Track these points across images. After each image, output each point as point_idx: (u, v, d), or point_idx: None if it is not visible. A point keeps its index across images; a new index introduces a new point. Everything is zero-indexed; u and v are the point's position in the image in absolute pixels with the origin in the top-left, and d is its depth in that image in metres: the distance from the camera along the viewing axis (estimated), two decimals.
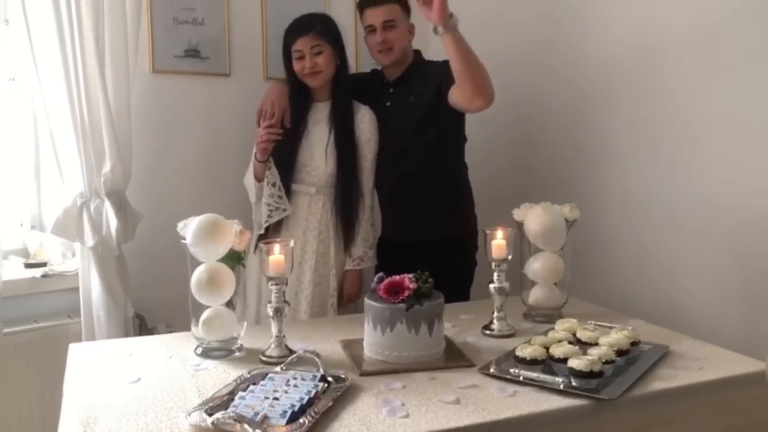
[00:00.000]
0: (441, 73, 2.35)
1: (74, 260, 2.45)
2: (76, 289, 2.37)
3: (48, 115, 2.27)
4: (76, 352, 1.82)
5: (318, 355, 1.64)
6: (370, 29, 2.44)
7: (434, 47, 2.83)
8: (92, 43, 2.26)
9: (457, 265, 2.49)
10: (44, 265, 2.43)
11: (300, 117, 2.38)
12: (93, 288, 2.30)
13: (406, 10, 2.47)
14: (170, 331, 2.54)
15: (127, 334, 2.34)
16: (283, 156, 2.35)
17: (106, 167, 2.27)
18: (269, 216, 2.34)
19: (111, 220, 2.26)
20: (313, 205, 2.38)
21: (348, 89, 2.43)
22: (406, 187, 2.46)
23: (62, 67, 2.22)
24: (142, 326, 2.51)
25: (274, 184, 2.33)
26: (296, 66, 2.35)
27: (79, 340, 2.31)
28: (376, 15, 2.41)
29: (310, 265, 2.36)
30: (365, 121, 2.42)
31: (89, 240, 2.25)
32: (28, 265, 2.41)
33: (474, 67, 2.21)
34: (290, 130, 2.35)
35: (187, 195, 2.66)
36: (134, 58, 2.40)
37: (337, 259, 2.41)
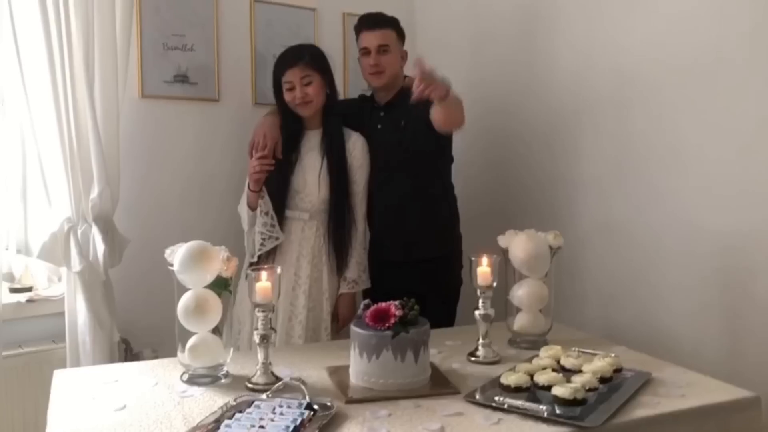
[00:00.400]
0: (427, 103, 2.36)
1: (60, 285, 2.45)
2: (62, 314, 2.36)
3: (36, 138, 2.28)
4: (60, 378, 1.81)
5: (304, 383, 1.64)
6: (365, 51, 2.50)
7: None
8: (82, 67, 2.27)
9: (445, 284, 2.56)
10: (29, 289, 2.42)
11: (292, 145, 2.42)
12: (79, 313, 2.29)
13: (401, 36, 2.55)
14: (156, 356, 2.54)
15: (112, 360, 2.33)
16: (277, 183, 2.38)
17: (94, 192, 2.28)
18: (262, 244, 2.36)
19: (98, 245, 2.27)
20: (307, 231, 2.41)
21: (339, 117, 2.48)
22: (396, 207, 2.50)
23: (51, 91, 2.23)
24: (128, 351, 2.50)
25: (266, 213, 2.36)
26: (287, 96, 2.39)
27: (64, 365, 2.30)
28: (371, 38, 2.47)
29: (304, 290, 2.39)
30: (357, 148, 2.46)
31: (76, 265, 2.24)
32: (13, 290, 2.40)
33: (454, 111, 2.30)
34: (283, 157, 2.39)
35: (174, 220, 2.67)
36: (123, 83, 2.42)
37: (330, 284, 2.43)
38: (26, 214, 2.58)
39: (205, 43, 2.72)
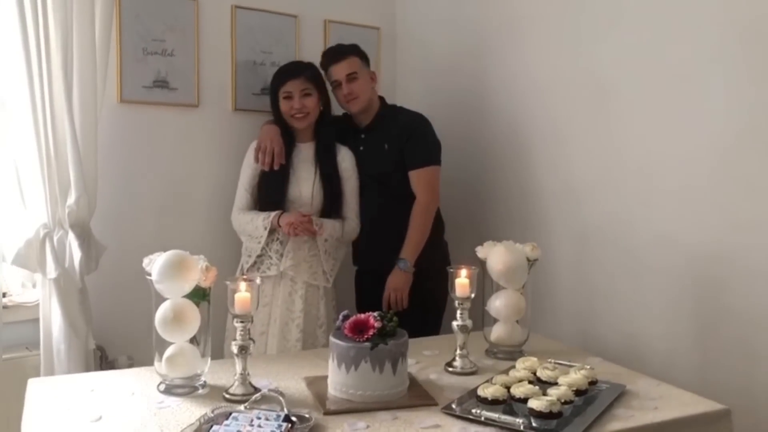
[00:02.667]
0: (405, 136, 2.61)
1: (34, 290, 2.42)
2: (36, 320, 2.33)
3: (13, 143, 2.25)
4: (34, 387, 1.79)
5: (282, 394, 1.65)
6: (336, 84, 2.62)
7: (401, 93, 2.92)
8: (60, 71, 2.25)
9: (431, 293, 2.60)
10: (2, 295, 2.38)
11: (286, 157, 2.51)
12: (54, 320, 2.27)
13: (365, 60, 2.68)
14: (131, 364, 2.53)
15: (87, 368, 2.31)
16: (275, 194, 2.49)
17: (71, 199, 2.26)
18: (268, 268, 2.48)
19: (75, 251, 2.24)
20: (302, 238, 2.46)
21: (331, 131, 2.61)
22: (384, 219, 2.61)
23: (29, 95, 2.21)
24: (103, 358, 2.48)
25: (281, 242, 2.46)
26: (284, 106, 2.49)
27: (38, 373, 2.27)
28: (339, 70, 2.60)
29: (301, 295, 2.47)
30: (346, 160, 2.59)
31: (51, 272, 2.22)
32: None
33: (426, 230, 2.61)
34: (279, 170, 2.48)
35: (151, 226, 2.66)
36: (102, 88, 2.40)
37: (324, 288, 2.53)
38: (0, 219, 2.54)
39: (185, 48, 2.70)
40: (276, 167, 2.47)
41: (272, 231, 2.45)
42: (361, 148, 2.66)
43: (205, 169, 2.78)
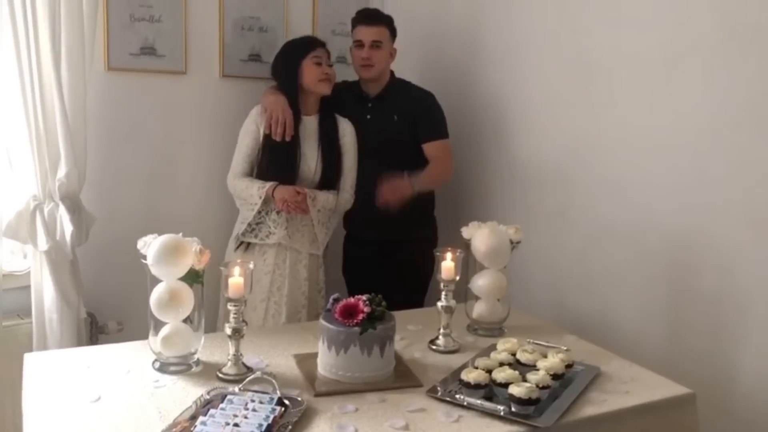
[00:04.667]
0: (419, 110, 2.69)
1: (24, 260, 2.44)
2: (27, 287, 2.37)
3: (1, 115, 2.24)
4: (31, 363, 1.83)
5: (274, 376, 1.71)
6: (358, 44, 2.66)
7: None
8: (47, 40, 2.23)
9: (418, 263, 2.68)
10: None
11: (295, 131, 2.51)
12: (45, 291, 2.31)
13: (393, 34, 2.72)
14: (121, 329, 2.58)
15: (79, 336, 2.37)
16: (287, 168, 2.49)
17: (61, 172, 2.27)
18: (267, 236, 2.50)
19: (66, 224, 2.26)
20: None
21: (332, 103, 2.61)
22: (373, 187, 2.60)
23: (17, 68, 2.19)
24: (93, 324, 2.53)
25: (279, 212, 2.48)
26: (314, 70, 2.49)
27: (30, 341, 2.32)
28: (366, 33, 2.64)
29: (305, 264, 2.56)
30: (347, 134, 2.61)
31: (42, 244, 2.25)
32: None
33: (435, 182, 2.73)
34: (291, 144, 2.49)
35: (140, 195, 2.69)
36: (90, 56, 2.38)
37: (324, 256, 2.64)
38: None
39: (172, 14, 2.68)
40: (288, 138, 2.47)
41: (268, 200, 2.46)
42: (369, 116, 2.70)
43: (194, 135, 2.79)
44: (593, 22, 2.44)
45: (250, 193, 2.46)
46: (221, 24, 2.81)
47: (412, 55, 3.19)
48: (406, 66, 2.99)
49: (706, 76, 2.12)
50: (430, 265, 2.72)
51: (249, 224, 2.49)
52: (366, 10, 2.76)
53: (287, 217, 2.47)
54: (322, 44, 2.54)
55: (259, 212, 2.47)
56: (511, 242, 2.19)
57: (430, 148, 2.69)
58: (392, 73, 2.79)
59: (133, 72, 2.62)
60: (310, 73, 2.49)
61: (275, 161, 2.47)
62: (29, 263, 2.37)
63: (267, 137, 2.48)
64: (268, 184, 2.45)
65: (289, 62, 2.52)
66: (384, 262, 2.73)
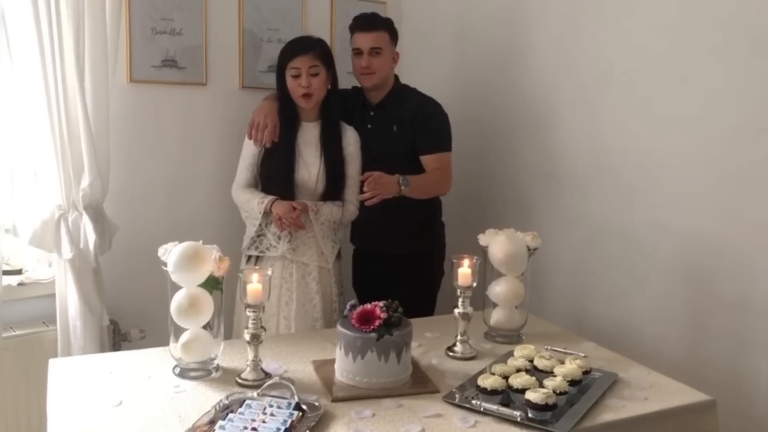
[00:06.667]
0: (419, 120, 2.56)
1: (49, 268, 2.49)
2: (52, 295, 2.41)
3: (26, 126, 2.30)
4: (56, 368, 1.88)
5: (292, 381, 1.73)
6: (357, 52, 2.55)
7: (406, 70, 2.93)
8: (72, 53, 2.27)
9: (427, 276, 2.70)
10: (20, 272, 2.46)
11: (291, 138, 2.46)
12: (69, 298, 2.35)
13: (394, 37, 2.60)
14: (143, 337, 2.62)
15: (102, 343, 2.40)
16: (281, 178, 2.43)
17: (85, 182, 2.31)
18: (267, 249, 2.45)
19: (89, 233, 2.31)
20: (306, 222, 2.43)
21: (337, 111, 2.52)
22: (385, 201, 2.50)
23: (42, 78, 2.23)
24: (116, 332, 2.57)
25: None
26: (290, 83, 2.41)
27: (55, 346, 2.36)
28: (364, 40, 2.53)
29: (314, 277, 2.47)
30: (351, 143, 2.52)
31: (67, 252, 2.29)
32: (3, 272, 2.43)
33: (424, 193, 2.56)
34: (285, 151, 2.43)
35: (162, 204, 2.73)
36: (113, 68, 2.43)
37: (335, 268, 2.55)
38: (13, 194, 2.59)
39: (193, 27, 2.72)
40: (268, 145, 2.41)
41: (268, 213, 2.41)
42: (369, 125, 2.62)
43: (214, 146, 2.83)
44: (610, 26, 2.45)
45: (251, 206, 2.43)
46: (240, 36, 2.85)
47: (429, 57, 3.21)
48: (423, 65, 2.97)
49: (722, 81, 2.12)
50: (437, 279, 2.76)
51: (252, 238, 2.45)
52: (363, 16, 2.60)
53: (290, 230, 2.40)
54: (304, 51, 2.39)
55: (259, 225, 2.43)
56: (529, 249, 2.19)
57: (427, 161, 2.57)
58: (396, 78, 2.69)
59: (155, 84, 2.67)
60: (290, 86, 2.41)
61: (272, 169, 2.43)
62: (54, 271, 2.41)
63: (266, 146, 2.44)
64: (267, 199, 2.40)
65: (277, 71, 2.46)
66: (391, 276, 2.63)
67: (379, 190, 2.34)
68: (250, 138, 2.44)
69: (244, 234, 2.54)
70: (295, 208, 2.35)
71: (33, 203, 2.42)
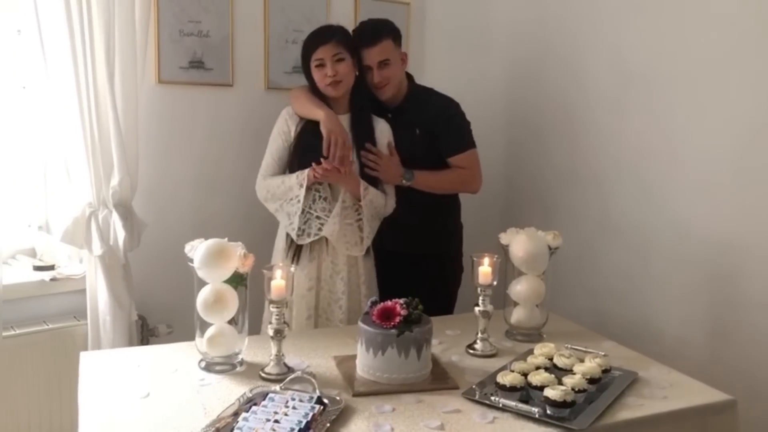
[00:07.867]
0: (441, 121, 2.54)
1: (80, 264, 2.56)
2: (82, 291, 2.48)
3: (58, 126, 2.36)
4: (87, 361, 1.94)
5: (314, 375, 1.77)
6: (367, 68, 2.49)
7: (430, 71, 2.94)
8: (102, 55, 2.33)
9: (446, 274, 2.71)
10: (52, 268, 2.53)
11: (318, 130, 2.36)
12: (99, 294, 2.41)
13: (398, 41, 2.55)
14: (170, 332, 2.68)
15: (131, 337, 2.47)
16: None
17: (115, 180, 2.38)
18: (319, 230, 2.36)
19: (118, 230, 2.37)
20: (347, 203, 2.39)
21: (367, 101, 2.48)
22: (408, 204, 2.54)
23: (74, 80, 2.30)
24: (144, 327, 2.63)
25: (325, 199, 2.36)
26: (316, 75, 2.37)
27: (85, 340, 2.43)
28: (371, 55, 2.46)
29: (342, 276, 2.42)
30: (384, 135, 2.47)
31: (97, 249, 2.36)
32: (37, 268, 2.51)
33: (446, 188, 2.61)
34: (321, 143, 2.32)
35: (188, 202, 2.78)
36: (142, 70, 2.49)
37: (365, 268, 2.48)
38: (46, 192, 2.68)
39: (220, 29, 2.77)
40: (343, 172, 2.28)
41: (309, 190, 2.33)
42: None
43: (240, 145, 2.87)
44: (634, 27, 2.46)
45: (289, 185, 2.33)
46: (266, 38, 2.89)
47: (453, 58, 3.22)
48: (447, 67, 2.98)
49: (746, 82, 2.11)
50: (456, 278, 2.77)
51: (298, 227, 2.33)
52: (362, 31, 2.52)
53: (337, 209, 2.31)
54: (325, 40, 2.34)
55: (303, 211, 2.33)
56: (550, 248, 2.20)
57: (457, 162, 2.55)
58: (411, 79, 2.64)
59: (183, 85, 2.72)
60: (316, 78, 2.37)
61: (307, 162, 2.31)
62: (85, 268, 2.48)
63: (299, 137, 2.38)
64: (306, 170, 2.30)
65: (303, 65, 2.42)
66: (411, 275, 2.59)
67: (381, 170, 2.40)
68: (325, 156, 2.29)
69: (277, 237, 2.48)
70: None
71: (65, 201, 2.49)
